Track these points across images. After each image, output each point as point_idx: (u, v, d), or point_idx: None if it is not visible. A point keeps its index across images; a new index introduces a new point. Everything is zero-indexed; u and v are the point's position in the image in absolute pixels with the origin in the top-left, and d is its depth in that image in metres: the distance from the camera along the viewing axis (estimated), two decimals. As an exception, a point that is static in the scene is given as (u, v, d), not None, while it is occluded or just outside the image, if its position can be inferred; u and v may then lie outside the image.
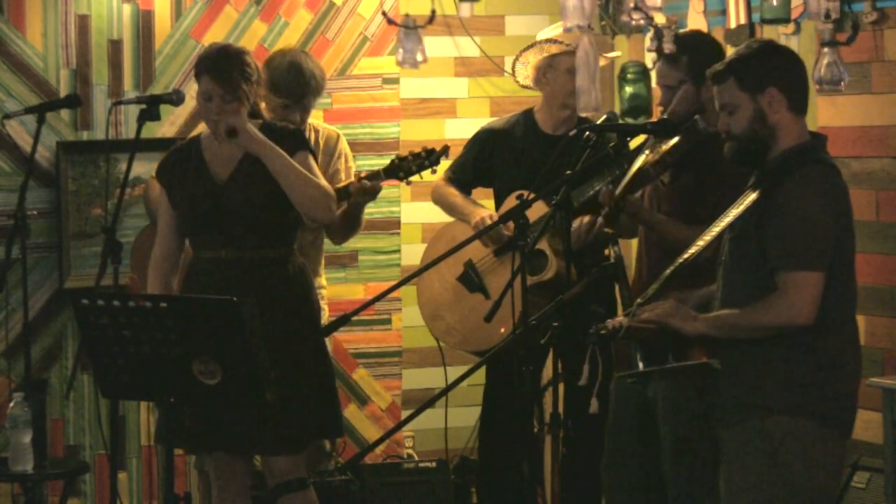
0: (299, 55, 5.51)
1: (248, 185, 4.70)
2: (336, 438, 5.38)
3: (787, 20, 3.94)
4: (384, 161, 5.68)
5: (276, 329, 4.56)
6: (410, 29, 3.45)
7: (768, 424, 3.90)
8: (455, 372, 5.13)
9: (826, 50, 3.68)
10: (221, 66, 4.66)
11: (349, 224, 5.51)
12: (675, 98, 4.76)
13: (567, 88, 5.45)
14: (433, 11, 3.31)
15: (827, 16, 5.21)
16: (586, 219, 4.87)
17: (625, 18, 3.86)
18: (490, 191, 5.72)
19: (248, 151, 4.69)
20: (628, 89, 3.90)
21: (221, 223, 4.73)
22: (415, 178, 5.36)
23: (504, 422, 5.53)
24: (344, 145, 5.63)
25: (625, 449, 4.84)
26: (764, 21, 3.50)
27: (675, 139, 4.64)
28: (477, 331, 5.42)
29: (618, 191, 4.61)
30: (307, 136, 5.54)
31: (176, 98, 4.90)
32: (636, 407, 4.73)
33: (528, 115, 5.64)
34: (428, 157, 5.35)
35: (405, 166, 5.34)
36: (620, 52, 5.71)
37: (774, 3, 3.55)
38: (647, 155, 4.70)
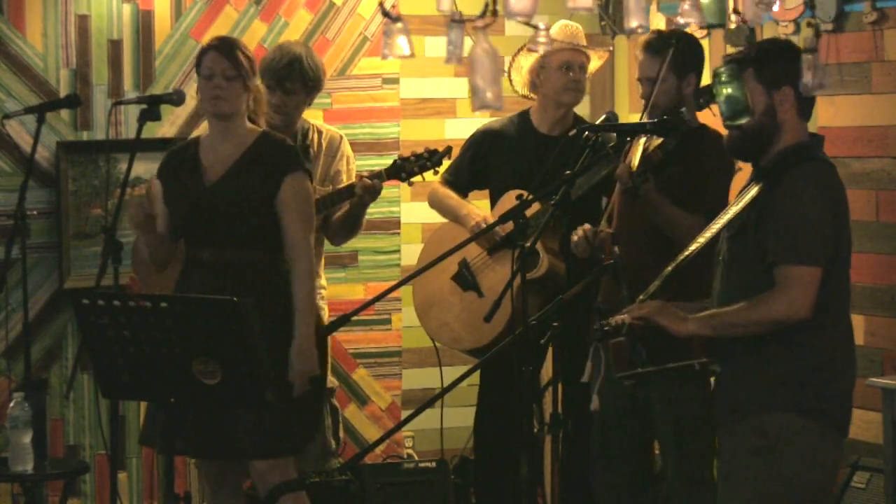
0: (300, 47, 5.52)
1: (235, 189, 4.71)
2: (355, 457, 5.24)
3: (722, 25, 3.97)
4: (384, 161, 5.69)
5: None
6: (457, 22, 3.41)
7: (765, 422, 3.90)
8: (453, 372, 5.14)
9: (808, 57, 3.74)
10: (226, 43, 4.81)
11: (350, 225, 5.51)
12: (657, 91, 4.83)
13: (560, 85, 5.48)
14: (486, 5, 3.25)
15: (825, 21, 5.22)
16: (587, 227, 4.87)
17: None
18: (485, 193, 5.72)
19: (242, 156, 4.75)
20: (725, 91, 3.91)
21: (206, 224, 4.74)
22: (416, 178, 5.38)
23: (499, 422, 5.54)
24: (346, 147, 5.63)
25: (614, 448, 4.84)
26: (704, 27, 3.51)
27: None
28: (470, 329, 5.44)
29: (635, 167, 4.66)
30: (311, 137, 5.55)
31: (177, 98, 4.90)
32: (623, 405, 4.74)
33: (523, 115, 5.65)
34: (430, 158, 5.36)
35: (407, 167, 5.35)
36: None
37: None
38: (644, 143, 4.75)
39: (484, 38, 3.27)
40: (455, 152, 5.67)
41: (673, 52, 4.83)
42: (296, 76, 5.38)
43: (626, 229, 4.84)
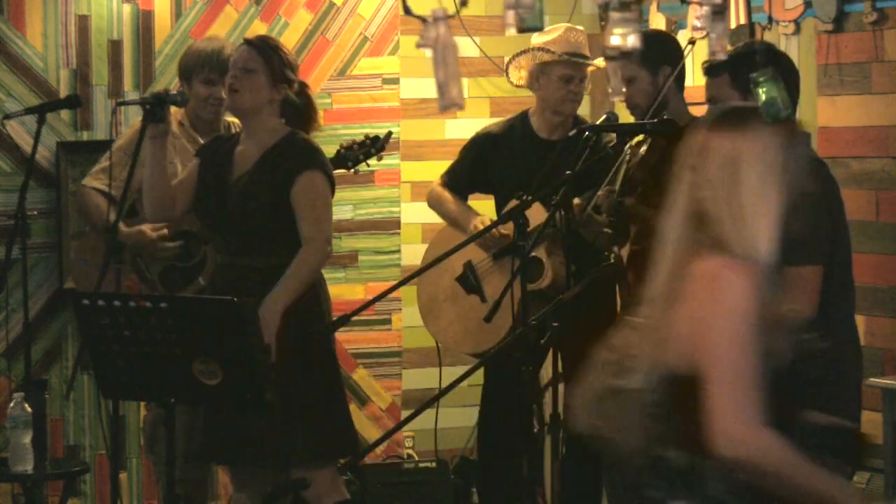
0: (222, 39, 5.49)
1: (250, 191, 4.67)
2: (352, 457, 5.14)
3: (540, 28, 4.00)
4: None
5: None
6: (719, 13, 3.32)
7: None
8: (453, 372, 5.13)
9: (612, 64, 3.81)
10: (258, 38, 4.80)
11: None
12: (633, 91, 4.85)
13: (559, 95, 5.46)
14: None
15: (825, 21, 5.19)
16: (575, 201, 4.87)
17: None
18: (482, 195, 5.70)
19: (264, 153, 4.72)
20: (763, 94, 3.95)
21: (222, 226, 4.73)
22: (361, 165, 5.40)
23: (502, 422, 5.54)
24: None
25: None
26: (522, 30, 3.48)
27: (650, 141, 4.68)
28: (472, 332, 5.43)
29: (616, 199, 4.64)
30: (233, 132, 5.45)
31: (181, 99, 4.88)
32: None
33: (523, 118, 5.63)
34: (373, 145, 5.40)
35: (351, 155, 5.38)
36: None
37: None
38: (628, 162, 4.73)
39: (448, 32, 3.21)
40: (452, 152, 5.67)
41: (640, 50, 4.85)
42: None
43: (641, 252, 4.85)
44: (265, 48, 4.73)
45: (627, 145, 4.77)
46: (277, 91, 4.72)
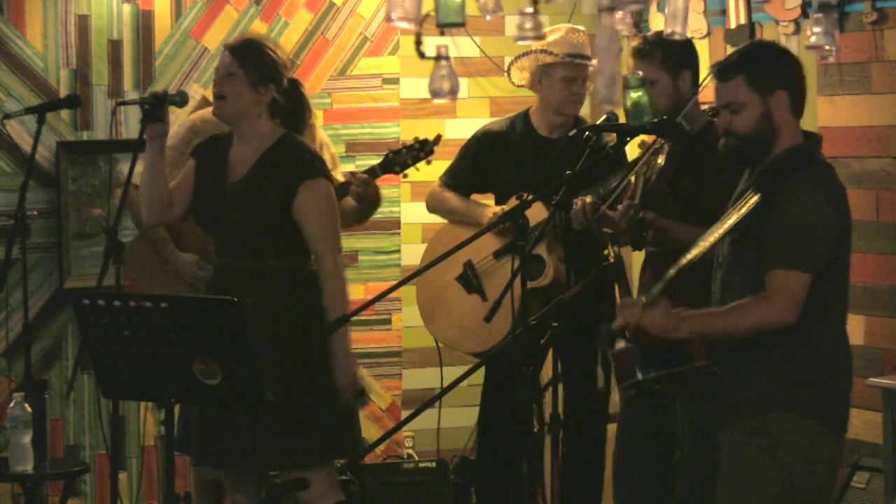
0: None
1: (249, 196, 4.66)
2: (355, 458, 5.11)
3: (461, 24, 3.98)
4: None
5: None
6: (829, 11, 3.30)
7: (768, 422, 3.91)
8: (453, 372, 5.13)
9: (443, 63, 3.79)
10: (238, 41, 4.73)
11: (362, 210, 5.44)
12: (654, 93, 4.82)
13: (562, 96, 5.46)
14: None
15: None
16: (588, 199, 4.85)
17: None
18: (479, 195, 5.70)
19: (263, 155, 4.70)
20: (633, 97, 3.95)
21: (220, 228, 4.73)
22: (410, 169, 5.35)
23: (502, 422, 5.54)
24: (321, 134, 5.52)
25: (636, 450, 4.83)
26: (441, 25, 3.46)
27: (667, 149, 4.66)
28: (473, 332, 5.42)
29: (637, 214, 4.63)
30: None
31: (180, 99, 4.87)
32: (650, 408, 4.72)
33: (524, 117, 5.62)
34: (422, 148, 5.33)
35: (400, 160, 5.33)
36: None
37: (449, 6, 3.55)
38: (645, 174, 4.71)
39: (607, 27, 3.16)
40: (451, 151, 5.66)
41: (662, 52, 4.83)
42: None
43: (658, 254, 4.83)
44: (242, 51, 4.67)
45: (643, 155, 4.74)
46: (262, 92, 4.67)
